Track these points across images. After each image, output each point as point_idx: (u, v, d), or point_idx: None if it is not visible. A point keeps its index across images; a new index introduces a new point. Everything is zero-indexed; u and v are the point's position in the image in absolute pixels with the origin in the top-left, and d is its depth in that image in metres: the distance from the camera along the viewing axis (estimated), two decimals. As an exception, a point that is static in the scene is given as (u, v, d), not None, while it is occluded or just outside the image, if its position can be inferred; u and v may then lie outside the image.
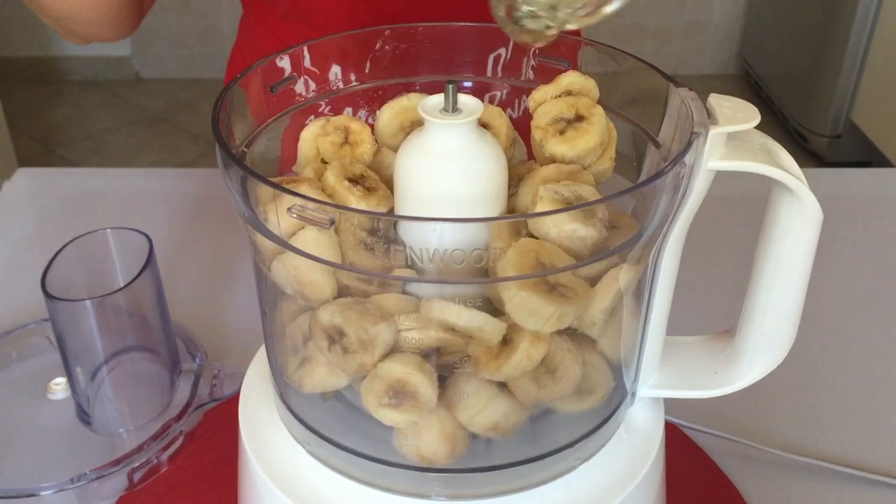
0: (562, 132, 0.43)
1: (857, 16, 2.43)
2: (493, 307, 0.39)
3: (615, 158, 0.45)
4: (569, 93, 0.44)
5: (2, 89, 2.80)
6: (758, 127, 0.41)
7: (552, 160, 0.43)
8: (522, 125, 0.49)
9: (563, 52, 0.49)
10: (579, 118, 0.43)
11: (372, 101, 0.51)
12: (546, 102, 0.44)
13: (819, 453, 0.63)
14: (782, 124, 2.89)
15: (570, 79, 0.45)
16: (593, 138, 0.43)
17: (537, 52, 0.49)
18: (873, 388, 0.69)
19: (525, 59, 0.50)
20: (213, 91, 3.12)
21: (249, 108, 0.46)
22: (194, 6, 3.12)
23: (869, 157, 2.56)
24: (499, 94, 0.59)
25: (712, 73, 3.32)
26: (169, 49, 3.20)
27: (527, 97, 0.46)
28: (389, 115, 0.47)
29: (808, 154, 2.73)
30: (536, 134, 0.44)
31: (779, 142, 0.42)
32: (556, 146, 0.43)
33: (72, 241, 0.60)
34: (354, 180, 0.43)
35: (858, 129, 2.55)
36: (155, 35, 3.17)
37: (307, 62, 0.48)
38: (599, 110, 0.43)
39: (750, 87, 3.20)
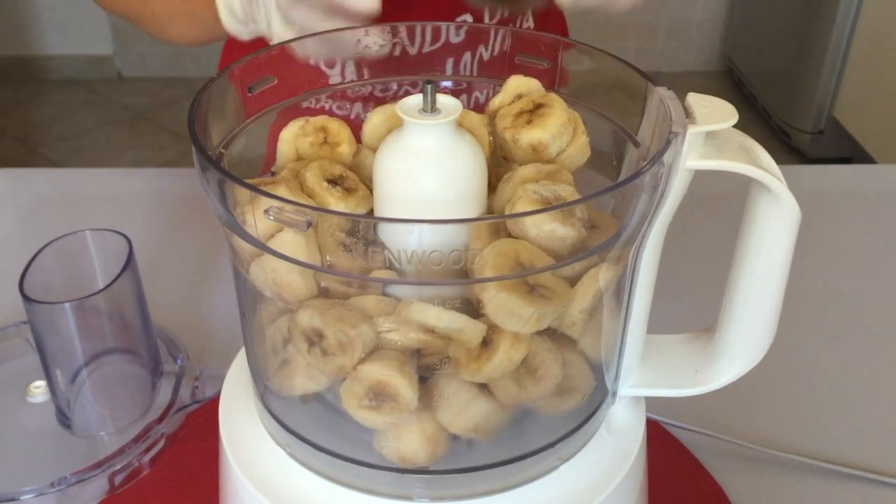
0: (529, 122, 0.43)
1: (838, 12, 2.44)
2: (473, 308, 0.39)
3: (589, 148, 0.45)
4: (519, 96, 0.46)
5: (-18, 88, 2.78)
6: (740, 123, 0.41)
7: (531, 150, 0.43)
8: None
9: (543, 51, 0.49)
10: (538, 106, 0.44)
11: (357, 100, 0.51)
12: (503, 108, 0.45)
13: (801, 450, 0.63)
14: (765, 120, 2.90)
15: (516, 82, 0.46)
16: (560, 115, 0.43)
17: (516, 51, 0.49)
18: (854, 385, 0.70)
19: (504, 59, 0.50)
20: (195, 90, 3.09)
21: (234, 105, 0.46)
22: (176, 4, 3.09)
23: (851, 153, 2.58)
24: (480, 95, 0.59)
25: (696, 70, 3.33)
26: (150, 47, 3.18)
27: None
28: (378, 119, 0.47)
29: (791, 150, 2.74)
30: (507, 134, 0.44)
31: (761, 138, 0.42)
32: (530, 133, 0.43)
33: (50, 242, 0.60)
34: (333, 181, 0.42)
35: (840, 126, 2.56)
36: (136, 33, 3.15)
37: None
38: (552, 94, 0.45)
39: (733, 83, 3.21)
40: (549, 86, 0.47)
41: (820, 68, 2.55)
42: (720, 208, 0.79)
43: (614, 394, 0.47)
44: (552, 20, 0.89)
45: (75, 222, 0.65)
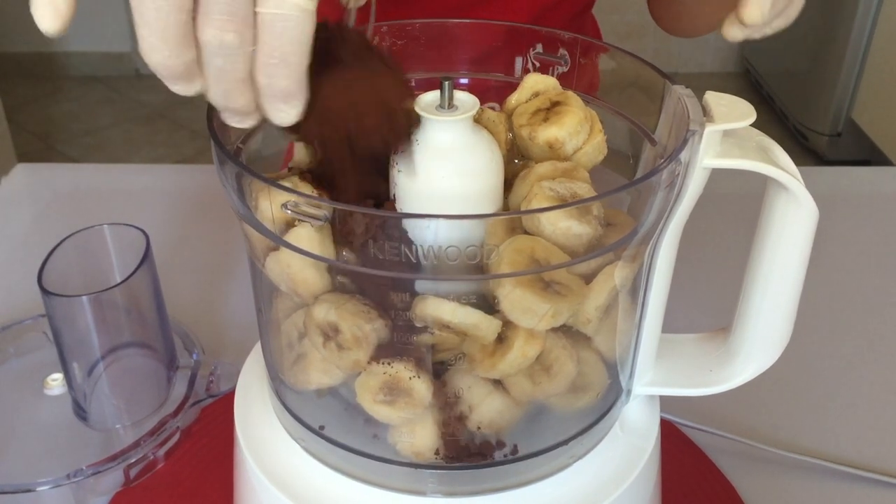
0: (545, 119, 0.43)
1: (857, 14, 2.42)
2: (488, 304, 0.39)
3: (606, 146, 0.45)
4: (536, 93, 0.46)
5: (1, 84, 2.80)
6: (757, 125, 0.41)
7: (547, 147, 0.43)
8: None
9: (562, 49, 0.49)
10: (555, 104, 0.44)
11: None
12: (520, 105, 0.45)
13: (816, 451, 0.63)
14: (782, 122, 2.89)
15: (533, 80, 0.46)
16: (577, 113, 0.43)
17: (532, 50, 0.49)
18: (869, 387, 0.69)
19: (522, 59, 0.50)
20: (212, 87, 3.11)
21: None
22: (194, 2, 3.10)
23: (869, 155, 2.56)
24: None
25: (713, 71, 3.32)
26: (169, 45, 3.19)
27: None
28: None
29: (808, 152, 2.73)
30: (523, 132, 0.44)
31: (778, 140, 0.42)
32: (547, 131, 0.43)
33: (69, 236, 0.60)
34: (350, 177, 0.43)
35: (858, 128, 2.54)
36: (155, 31, 3.16)
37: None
38: (569, 92, 0.45)
39: (750, 84, 3.20)
40: (568, 85, 0.48)
41: (838, 70, 2.53)
42: (736, 208, 0.79)
43: (628, 392, 0.47)
44: (588, 29, 0.90)
45: (93, 218, 0.65)
